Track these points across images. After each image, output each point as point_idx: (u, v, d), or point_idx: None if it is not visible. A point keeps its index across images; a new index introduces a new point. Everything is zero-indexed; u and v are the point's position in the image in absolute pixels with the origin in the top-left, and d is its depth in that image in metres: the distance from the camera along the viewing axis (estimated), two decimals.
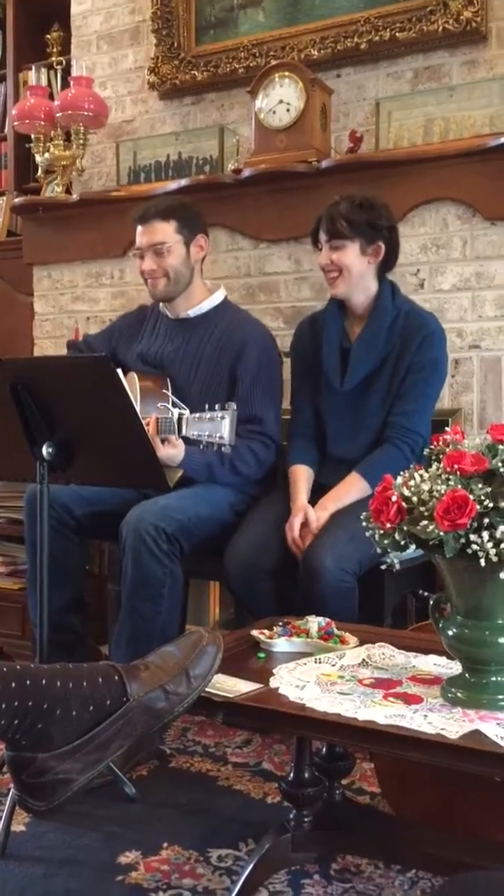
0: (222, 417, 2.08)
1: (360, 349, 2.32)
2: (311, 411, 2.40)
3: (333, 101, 2.88)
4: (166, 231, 2.43)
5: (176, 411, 2.21)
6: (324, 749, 1.66)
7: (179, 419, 2.18)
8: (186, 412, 2.18)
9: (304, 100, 2.77)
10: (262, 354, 2.45)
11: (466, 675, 1.37)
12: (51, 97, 3.32)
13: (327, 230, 2.29)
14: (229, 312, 2.56)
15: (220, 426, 2.08)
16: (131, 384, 2.39)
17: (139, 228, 2.47)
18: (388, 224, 2.32)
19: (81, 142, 3.19)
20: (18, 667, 1.26)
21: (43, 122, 3.22)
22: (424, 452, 1.45)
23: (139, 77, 3.28)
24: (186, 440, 2.22)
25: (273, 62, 2.87)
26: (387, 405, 2.31)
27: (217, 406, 2.11)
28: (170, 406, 2.25)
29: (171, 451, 2.22)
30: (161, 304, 2.58)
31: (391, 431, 2.28)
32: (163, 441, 2.18)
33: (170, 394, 2.36)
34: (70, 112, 3.13)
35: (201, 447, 2.15)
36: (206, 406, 2.11)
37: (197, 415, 2.15)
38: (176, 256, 2.45)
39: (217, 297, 2.56)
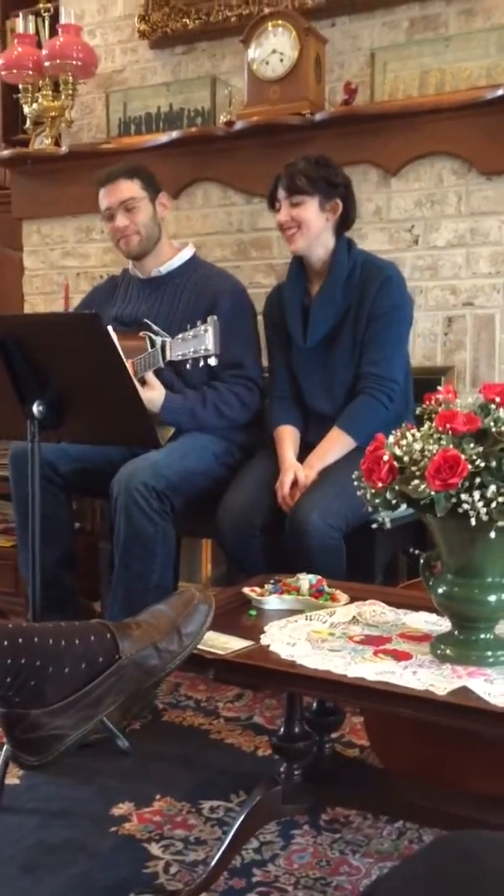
0: (205, 330, 2.16)
1: (318, 305, 2.34)
2: (287, 373, 2.43)
3: (328, 52, 2.82)
4: (133, 188, 2.48)
5: (158, 339, 2.28)
6: (314, 704, 1.68)
7: (163, 346, 2.24)
8: (168, 338, 2.25)
9: (298, 50, 2.71)
10: (236, 302, 2.48)
11: (456, 632, 1.39)
12: (38, 46, 3.24)
13: (286, 187, 2.30)
14: (200, 266, 2.58)
15: (203, 339, 2.16)
16: None
17: (104, 190, 2.50)
18: (343, 181, 2.34)
19: (70, 92, 3.12)
20: (10, 625, 1.26)
21: (31, 72, 3.15)
22: (417, 412, 1.44)
23: (129, 25, 3.20)
24: (171, 366, 2.28)
25: (266, 10, 2.80)
26: (355, 357, 2.32)
27: (198, 322, 2.17)
28: (151, 335, 2.32)
29: (150, 395, 2.27)
30: (131, 265, 2.61)
31: (364, 382, 2.29)
32: (141, 383, 2.22)
33: (151, 323, 2.40)
34: (58, 61, 3.06)
35: (187, 366, 2.21)
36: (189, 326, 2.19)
37: (180, 336, 2.22)
38: (145, 212, 2.49)
39: (186, 254, 2.58)
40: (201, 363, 2.18)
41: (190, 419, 2.37)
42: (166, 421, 2.35)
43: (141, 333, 2.38)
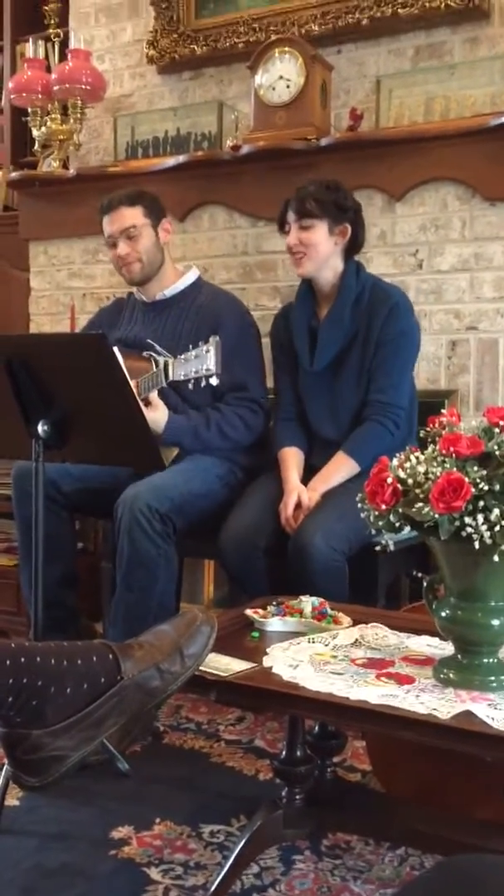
0: (207, 351, 2.18)
1: (326, 329, 2.35)
2: (293, 395, 2.44)
3: (334, 78, 2.85)
4: (135, 215, 2.49)
5: (161, 359, 2.30)
6: (316, 727, 1.67)
7: (166, 366, 2.26)
8: (171, 358, 2.27)
9: (305, 76, 2.74)
10: (240, 324, 2.49)
11: (459, 656, 1.38)
12: (48, 70, 3.28)
13: (296, 210, 2.32)
14: (204, 289, 2.59)
15: (205, 359, 2.17)
16: None
17: (106, 218, 2.51)
18: (353, 206, 2.36)
19: (78, 116, 3.16)
20: (13, 644, 1.26)
21: (40, 96, 3.19)
22: (421, 435, 1.45)
23: (138, 51, 3.24)
24: (176, 385, 2.29)
25: (273, 37, 2.84)
26: (362, 382, 2.33)
27: (200, 343, 2.18)
28: (155, 355, 2.35)
29: (154, 415, 2.28)
30: (136, 289, 2.62)
31: (371, 409, 2.30)
32: (145, 403, 2.23)
33: (154, 343, 2.42)
34: (67, 85, 3.10)
35: (190, 386, 2.22)
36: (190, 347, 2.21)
37: (182, 356, 2.23)
38: (147, 239, 2.50)
39: (190, 277, 2.60)
40: (203, 383, 2.19)
41: (193, 439, 2.38)
42: (169, 441, 2.35)
43: (145, 354, 2.39)
